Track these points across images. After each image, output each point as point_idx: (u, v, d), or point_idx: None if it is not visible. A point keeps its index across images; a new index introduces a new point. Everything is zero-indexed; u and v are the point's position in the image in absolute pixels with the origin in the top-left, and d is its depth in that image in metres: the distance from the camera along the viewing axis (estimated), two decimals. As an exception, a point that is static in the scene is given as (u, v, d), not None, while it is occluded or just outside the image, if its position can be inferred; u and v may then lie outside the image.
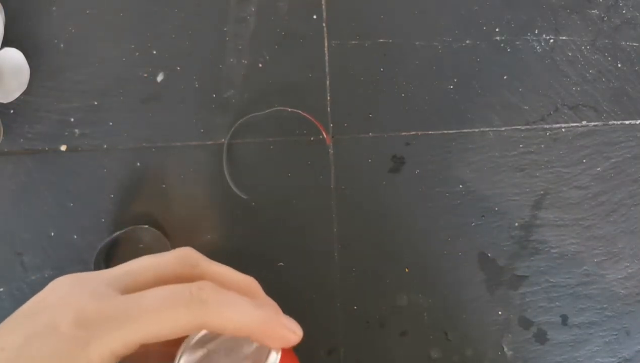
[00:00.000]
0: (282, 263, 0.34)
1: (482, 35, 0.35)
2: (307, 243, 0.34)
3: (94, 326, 0.20)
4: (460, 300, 0.34)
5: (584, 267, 0.34)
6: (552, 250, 0.34)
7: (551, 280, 0.34)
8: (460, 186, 0.34)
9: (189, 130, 0.34)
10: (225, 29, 0.35)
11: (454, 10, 0.35)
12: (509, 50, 0.35)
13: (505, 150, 0.35)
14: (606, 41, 0.35)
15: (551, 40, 0.35)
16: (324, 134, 0.34)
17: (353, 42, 0.35)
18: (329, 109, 0.35)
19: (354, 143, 0.34)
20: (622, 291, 0.34)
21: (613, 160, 0.35)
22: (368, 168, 0.34)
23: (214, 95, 0.34)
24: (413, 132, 0.35)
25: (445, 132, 0.35)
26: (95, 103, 0.34)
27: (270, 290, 0.27)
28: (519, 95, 0.35)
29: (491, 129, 0.35)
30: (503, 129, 0.35)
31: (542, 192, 0.35)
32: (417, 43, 0.35)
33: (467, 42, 0.35)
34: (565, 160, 0.35)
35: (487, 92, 0.35)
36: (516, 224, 0.34)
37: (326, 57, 0.35)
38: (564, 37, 0.35)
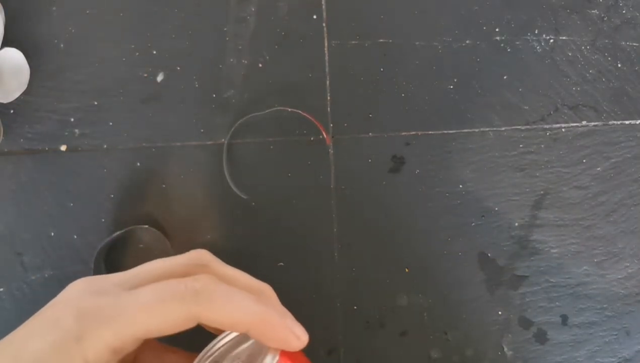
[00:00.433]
0: (282, 263, 0.34)
1: (482, 35, 0.35)
2: (307, 243, 0.34)
3: (89, 320, 0.21)
4: (460, 300, 0.34)
5: (584, 267, 0.34)
6: (552, 250, 0.34)
7: (551, 280, 0.34)
8: (460, 186, 0.34)
9: (189, 130, 0.34)
10: (225, 29, 0.35)
11: (454, 10, 0.35)
12: (509, 50, 0.35)
13: (505, 150, 0.35)
14: (606, 41, 0.35)
15: (551, 40, 0.35)
16: (324, 134, 0.34)
17: (353, 42, 0.35)
18: (329, 109, 0.35)
19: (354, 143, 0.34)
20: (622, 291, 0.34)
21: (613, 160, 0.35)
22: (368, 168, 0.34)
23: (214, 95, 0.34)
24: (413, 132, 0.35)
25: (445, 132, 0.35)
26: (95, 103, 0.34)
27: (270, 290, 0.27)
28: (519, 95, 0.35)
29: (491, 129, 0.35)
30: (503, 129, 0.35)
31: (542, 192, 0.35)
32: (417, 43, 0.35)
33: (467, 42, 0.35)
34: (565, 160, 0.35)
35: (487, 92, 0.35)
36: (516, 224, 0.34)
37: (326, 57, 0.35)
38: (564, 37, 0.35)
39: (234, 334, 0.25)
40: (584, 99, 0.35)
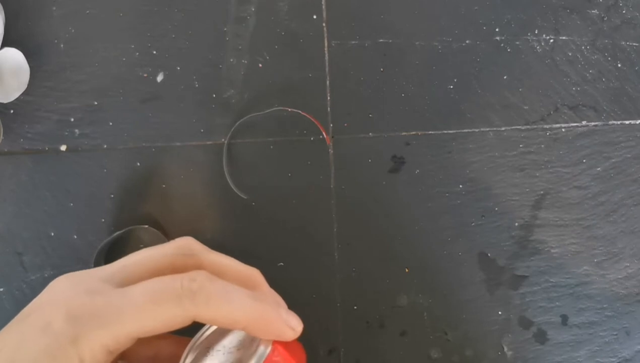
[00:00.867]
0: (282, 264, 0.34)
1: (482, 35, 0.35)
2: (307, 243, 0.34)
3: (83, 321, 0.20)
4: (460, 300, 0.34)
5: (584, 267, 0.34)
6: (552, 250, 0.34)
7: (551, 280, 0.34)
8: (460, 186, 0.34)
9: (189, 130, 0.34)
10: (225, 29, 0.35)
11: (454, 10, 0.35)
12: (509, 50, 0.35)
13: (505, 150, 0.35)
14: (606, 41, 0.35)
15: (551, 40, 0.35)
16: (324, 134, 0.34)
17: (353, 42, 0.35)
18: (329, 109, 0.35)
19: (354, 143, 0.34)
20: (622, 291, 0.34)
21: (613, 160, 0.35)
22: (368, 168, 0.34)
23: (214, 95, 0.34)
24: (413, 132, 0.35)
25: (445, 132, 0.35)
26: (95, 103, 0.34)
27: (270, 290, 0.27)
28: (519, 95, 0.35)
29: (491, 129, 0.35)
30: (503, 129, 0.35)
31: (542, 192, 0.35)
32: (417, 43, 0.35)
33: (467, 42, 0.35)
34: (565, 160, 0.35)
35: (487, 92, 0.35)
36: (516, 224, 0.34)
37: (326, 57, 0.35)
38: (564, 37, 0.35)
39: None
40: (584, 99, 0.35)
